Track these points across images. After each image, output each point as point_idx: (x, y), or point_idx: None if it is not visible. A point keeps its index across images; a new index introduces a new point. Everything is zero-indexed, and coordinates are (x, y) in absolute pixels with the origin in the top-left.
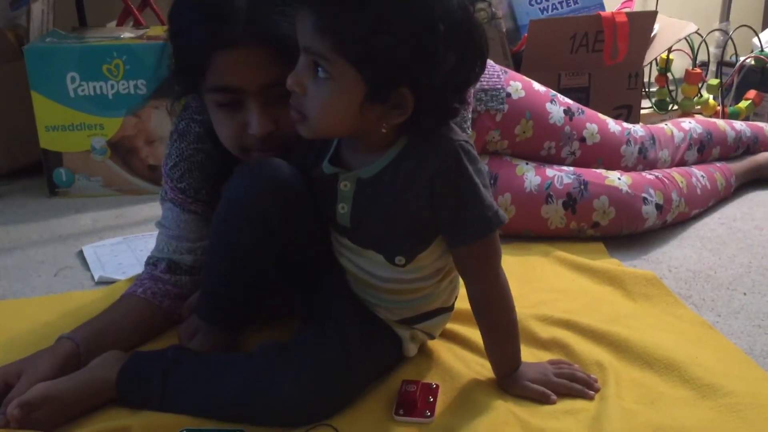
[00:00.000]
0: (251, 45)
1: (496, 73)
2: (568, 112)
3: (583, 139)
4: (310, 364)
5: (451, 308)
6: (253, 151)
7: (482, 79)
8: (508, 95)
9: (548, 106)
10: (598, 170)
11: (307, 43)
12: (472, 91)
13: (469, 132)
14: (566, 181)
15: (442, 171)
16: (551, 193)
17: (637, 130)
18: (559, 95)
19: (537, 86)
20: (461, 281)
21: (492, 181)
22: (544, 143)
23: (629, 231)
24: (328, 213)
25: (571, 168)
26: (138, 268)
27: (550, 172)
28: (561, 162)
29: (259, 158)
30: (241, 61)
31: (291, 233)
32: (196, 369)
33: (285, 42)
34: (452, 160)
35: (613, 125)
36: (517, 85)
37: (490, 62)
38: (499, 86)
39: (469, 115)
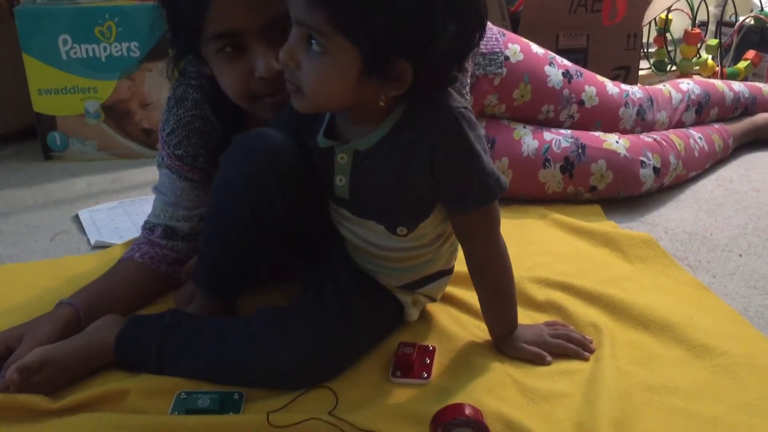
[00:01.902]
0: None
1: (493, 35)
2: (566, 74)
3: (581, 102)
4: (309, 328)
5: (451, 270)
6: (264, 98)
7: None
8: (507, 58)
9: (547, 69)
10: (596, 133)
11: (300, 16)
12: (470, 55)
13: (467, 98)
14: (564, 144)
15: (442, 139)
16: (549, 157)
17: (635, 91)
18: (557, 57)
19: (535, 48)
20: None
21: (489, 145)
22: (543, 107)
23: (626, 194)
24: (325, 185)
25: (569, 131)
26: (134, 232)
27: (548, 135)
28: (559, 125)
29: (256, 130)
30: (238, 2)
31: (289, 206)
32: (193, 333)
33: None
34: (452, 128)
35: (612, 87)
36: (516, 47)
37: (487, 25)
38: (497, 50)
39: (468, 81)
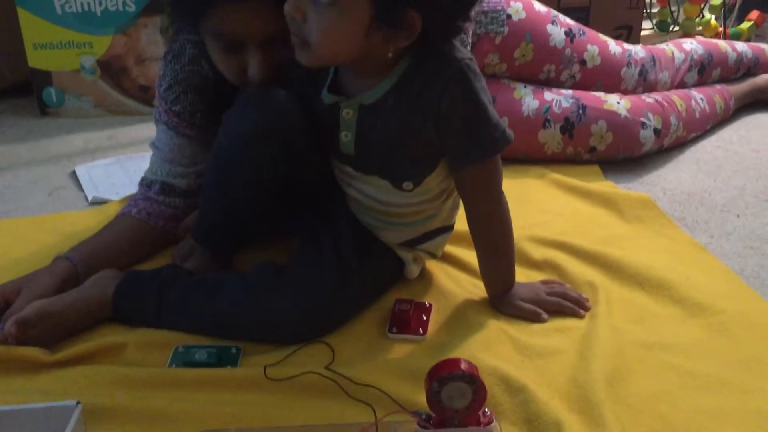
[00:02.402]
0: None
1: None
2: (569, 33)
3: (583, 62)
4: (307, 282)
5: (452, 227)
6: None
7: (482, 0)
8: (509, 17)
9: (549, 27)
10: (597, 93)
11: None
12: (472, 13)
13: (465, 45)
14: (564, 105)
15: (448, 90)
16: (549, 117)
17: (638, 51)
18: (560, 16)
19: (538, 6)
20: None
21: None
22: (544, 66)
23: (626, 156)
24: (330, 142)
25: (570, 91)
26: (131, 189)
27: (549, 95)
28: (560, 85)
29: (260, 89)
30: (245, 14)
31: (293, 166)
32: (191, 287)
33: None
34: (458, 79)
35: (614, 46)
36: (518, 5)
37: None
38: (499, 7)
39: (469, 39)
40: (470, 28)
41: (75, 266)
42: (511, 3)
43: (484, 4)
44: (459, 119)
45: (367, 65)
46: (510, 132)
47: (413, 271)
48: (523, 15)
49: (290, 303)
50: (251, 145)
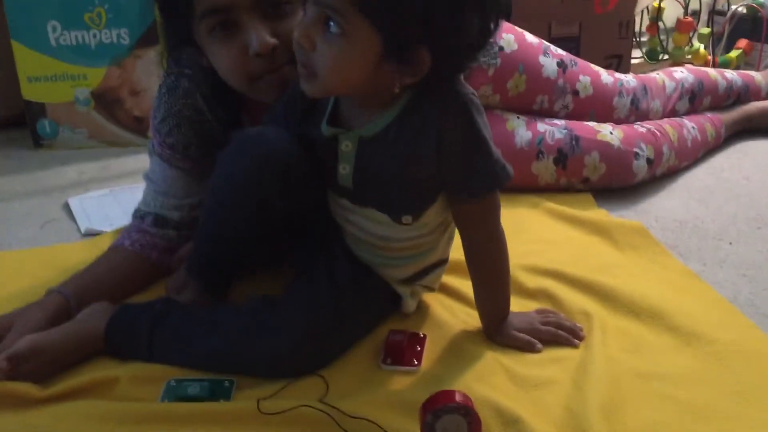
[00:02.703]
0: None
1: None
2: (561, 64)
3: (576, 92)
4: (302, 318)
5: (447, 260)
6: (263, 77)
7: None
8: (501, 48)
9: (541, 58)
10: (590, 124)
11: None
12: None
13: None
14: (557, 136)
15: (451, 125)
16: (542, 149)
17: (630, 80)
18: (552, 47)
19: (530, 38)
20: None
21: None
22: (537, 97)
23: (619, 185)
24: (328, 174)
25: (563, 122)
26: (125, 220)
27: (542, 126)
28: (553, 115)
29: (255, 129)
30: None
31: (289, 204)
32: (184, 321)
33: None
34: (461, 114)
35: (606, 76)
36: (510, 37)
37: None
38: (492, 39)
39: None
40: None
41: (67, 300)
42: (503, 35)
43: None
44: (461, 154)
45: (371, 98)
46: (510, 167)
47: (410, 305)
48: (515, 47)
49: (285, 340)
50: (247, 187)
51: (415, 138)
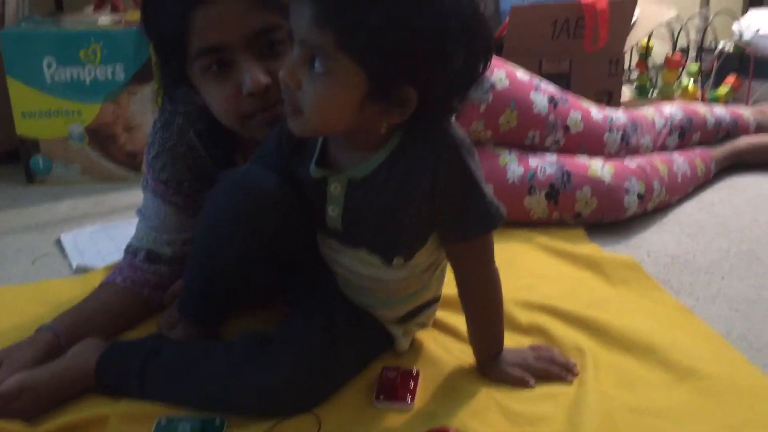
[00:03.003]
0: None
1: None
2: (552, 100)
3: (567, 128)
4: (293, 355)
5: (440, 297)
6: (255, 115)
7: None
8: (492, 85)
9: (532, 95)
10: (581, 159)
11: (304, 36)
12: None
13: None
14: (549, 171)
15: (444, 168)
16: (534, 184)
17: (620, 116)
18: (542, 83)
19: (521, 75)
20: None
21: None
22: (528, 132)
23: (610, 220)
24: (316, 216)
25: (554, 157)
26: (117, 256)
27: (533, 162)
28: (544, 151)
29: (243, 170)
30: (218, 15)
31: (278, 244)
32: (175, 358)
33: None
34: (454, 157)
35: (596, 112)
36: (501, 74)
37: None
38: (482, 77)
39: None
40: None
41: (58, 337)
42: (494, 71)
43: None
44: (455, 199)
45: (360, 138)
46: (503, 206)
47: (403, 344)
48: (506, 83)
49: (277, 379)
50: (236, 227)
51: (406, 181)
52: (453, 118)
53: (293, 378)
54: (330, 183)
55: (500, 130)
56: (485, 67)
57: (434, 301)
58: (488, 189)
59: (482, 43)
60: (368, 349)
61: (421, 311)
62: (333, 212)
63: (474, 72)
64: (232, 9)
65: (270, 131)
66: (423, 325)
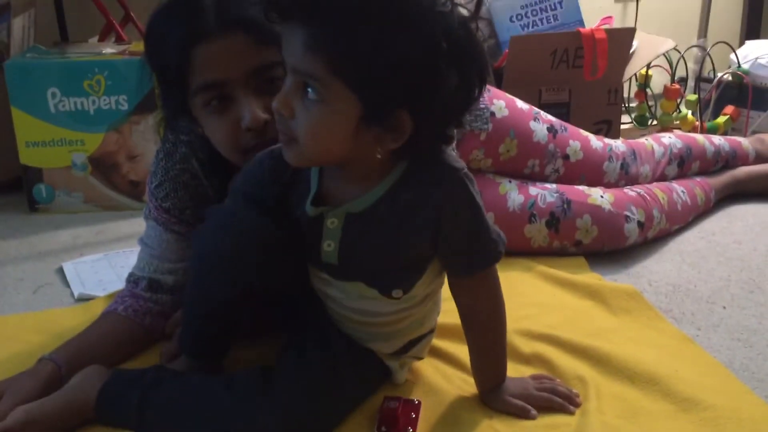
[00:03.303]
0: (225, 34)
1: None
2: (551, 129)
3: (566, 157)
4: (293, 391)
5: (434, 329)
6: (255, 148)
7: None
8: (492, 114)
9: (532, 124)
10: (581, 187)
11: (296, 64)
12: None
13: (454, 153)
14: (549, 199)
15: (449, 202)
16: (534, 212)
17: (619, 145)
18: (542, 113)
19: (520, 104)
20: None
21: None
22: (528, 161)
23: (611, 248)
24: (310, 252)
25: (554, 186)
26: (118, 285)
27: (533, 190)
28: (544, 179)
29: (228, 209)
30: (219, 51)
31: (268, 282)
32: (174, 393)
33: (259, 26)
34: (459, 190)
35: (595, 141)
36: (501, 103)
37: None
38: (483, 105)
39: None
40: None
41: (59, 368)
42: (494, 101)
43: None
44: (460, 232)
45: (357, 168)
46: (503, 235)
47: (401, 376)
48: (506, 112)
49: (278, 421)
50: (222, 269)
51: (407, 215)
52: (453, 149)
53: (294, 419)
54: (327, 218)
55: (500, 158)
56: (480, 92)
57: (429, 332)
58: (489, 218)
59: (476, 67)
60: (367, 383)
61: (416, 344)
62: (329, 247)
63: (469, 96)
64: (232, 46)
65: (253, 159)
66: (418, 358)
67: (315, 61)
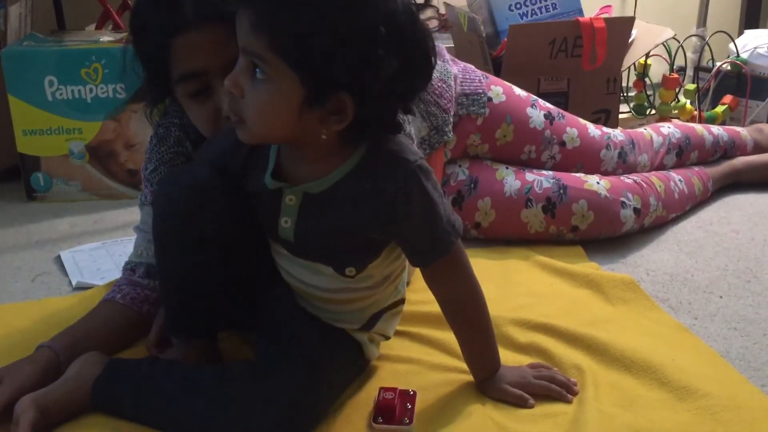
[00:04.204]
0: (203, 25)
1: (477, 77)
2: (548, 116)
3: (563, 144)
4: (281, 394)
5: (397, 305)
6: None
7: (464, 84)
8: (489, 99)
9: (529, 110)
10: (578, 174)
11: (244, 43)
12: (453, 96)
13: (450, 136)
14: (546, 185)
15: (402, 195)
16: (531, 197)
17: (617, 134)
18: (539, 100)
19: (518, 91)
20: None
21: (472, 185)
22: (525, 147)
23: (608, 235)
24: (268, 226)
25: (551, 172)
26: (116, 273)
27: (530, 176)
28: (541, 166)
29: (179, 168)
30: (197, 43)
31: (228, 238)
32: (168, 387)
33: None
34: (412, 183)
35: (593, 130)
36: (498, 89)
37: (471, 67)
38: (480, 90)
39: (450, 119)
40: (452, 109)
41: (57, 355)
42: (492, 87)
43: (465, 87)
44: (413, 223)
45: (309, 150)
46: (459, 220)
47: (372, 352)
48: (503, 98)
49: (267, 407)
50: (178, 223)
51: (362, 202)
52: (411, 137)
53: (283, 407)
54: (285, 195)
55: (497, 143)
56: (425, 78)
57: (389, 308)
58: (445, 205)
59: (419, 52)
60: (347, 367)
61: (378, 318)
62: (286, 224)
63: (411, 80)
64: (210, 36)
65: (219, 132)
66: (385, 337)
67: (259, 40)
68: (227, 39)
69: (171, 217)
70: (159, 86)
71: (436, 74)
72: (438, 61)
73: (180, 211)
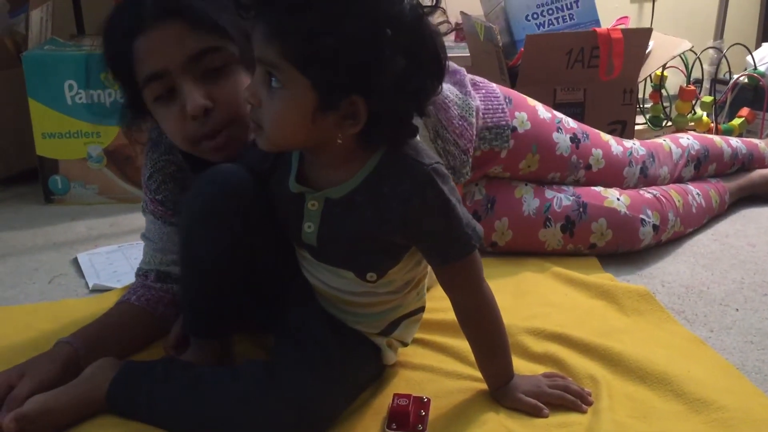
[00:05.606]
0: (161, 23)
1: (500, 106)
2: (574, 139)
3: (588, 167)
4: (296, 393)
5: (418, 312)
6: (203, 142)
7: (486, 116)
8: (514, 129)
9: (555, 135)
10: (597, 189)
11: (260, 53)
12: (475, 134)
13: (467, 177)
14: (565, 203)
15: (416, 197)
16: (549, 216)
17: (638, 149)
18: (564, 119)
19: (542, 114)
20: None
21: (489, 205)
22: (549, 175)
23: (625, 250)
24: (293, 231)
25: (571, 188)
26: (132, 276)
27: (549, 193)
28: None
29: (214, 167)
30: (156, 41)
31: (255, 239)
32: (183, 388)
33: (195, 13)
34: (426, 186)
35: (615, 146)
36: (523, 116)
37: (492, 91)
38: (504, 122)
39: (469, 161)
40: (471, 150)
41: (76, 351)
42: (516, 114)
43: (488, 119)
44: (430, 224)
45: (328, 155)
46: (479, 227)
47: (390, 357)
48: (528, 126)
49: (281, 406)
50: (209, 220)
51: (380, 207)
52: (468, 171)
53: (298, 407)
54: (308, 200)
55: (519, 173)
56: (437, 78)
57: (409, 315)
58: (463, 211)
59: (428, 52)
60: (362, 364)
61: (397, 325)
62: (309, 229)
63: (422, 81)
64: (168, 34)
65: (224, 158)
66: (402, 343)
67: (272, 49)
68: (184, 35)
69: (202, 214)
70: (129, 95)
71: (456, 111)
72: (459, 94)
73: (211, 208)
